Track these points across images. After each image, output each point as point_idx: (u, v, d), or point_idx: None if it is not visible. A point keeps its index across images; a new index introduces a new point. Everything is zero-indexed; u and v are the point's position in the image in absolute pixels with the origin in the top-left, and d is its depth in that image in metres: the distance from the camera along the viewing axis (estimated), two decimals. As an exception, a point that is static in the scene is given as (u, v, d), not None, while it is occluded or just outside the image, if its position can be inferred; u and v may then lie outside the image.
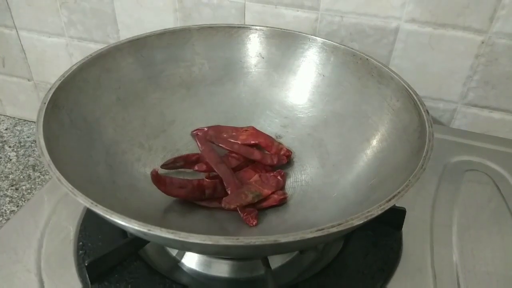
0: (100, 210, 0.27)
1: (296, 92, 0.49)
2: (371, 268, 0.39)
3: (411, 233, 0.42)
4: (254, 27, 0.50)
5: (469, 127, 0.58)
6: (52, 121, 0.35)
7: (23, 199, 0.63)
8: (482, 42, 0.52)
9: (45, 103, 0.35)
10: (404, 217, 0.41)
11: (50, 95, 0.36)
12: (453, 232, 0.43)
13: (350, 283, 0.37)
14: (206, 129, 0.47)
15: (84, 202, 0.27)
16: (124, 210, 0.28)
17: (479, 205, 0.46)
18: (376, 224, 0.42)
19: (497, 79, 0.54)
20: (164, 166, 0.43)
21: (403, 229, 0.42)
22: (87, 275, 0.36)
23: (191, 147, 0.47)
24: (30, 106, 0.79)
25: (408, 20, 0.53)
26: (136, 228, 0.26)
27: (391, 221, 0.42)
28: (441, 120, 0.59)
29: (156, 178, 0.39)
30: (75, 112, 0.39)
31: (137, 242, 0.38)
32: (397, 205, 0.40)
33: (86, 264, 0.36)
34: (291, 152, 0.46)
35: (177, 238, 0.25)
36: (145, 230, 0.26)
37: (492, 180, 0.49)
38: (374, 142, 0.42)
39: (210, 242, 0.25)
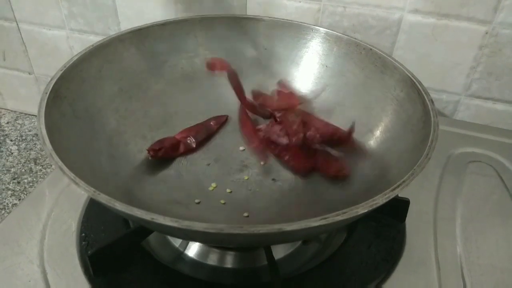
0: (103, 199, 0.27)
1: (299, 83, 0.49)
2: (374, 259, 0.38)
3: (415, 224, 0.42)
4: (257, 18, 0.49)
5: (472, 119, 0.58)
6: (53, 111, 0.35)
7: (25, 193, 0.63)
8: (486, 33, 0.51)
9: (46, 93, 0.35)
10: (407, 208, 0.41)
11: (51, 85, 0.36)
12: (457, 223, 0.43)
13: (353, 274, 0.37)
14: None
15: (87, 190, 0.27)
16: (126, 200, 0.28)
17: (482, 197, 0.46)
18: (380, 215, 0.41)
19: (501, 70, 0.53)
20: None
21: (406, 220, 0.42)
22: (90, 266, 0.36)
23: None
24: (31, 100, 0.79)
25: (411, 10, 0.52)
26: (140, 216, 0.26)
27: (395, 212, 0.42)
28: (444, 112, 0.59)
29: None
30: (77, 103, 0.38)
31: (140, 232, 0.38)
32: (400, 195, 0.41)
33: (88, 255, 0.36)
34: None
35: (180, 226, 0.25)
36: (148, 219, 0.25)
37: (495, 171, 0.48)
38: (378, 133, 0.41)
39: (213, 231, 0.25)
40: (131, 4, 0.62)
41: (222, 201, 0.40)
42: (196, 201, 0.40)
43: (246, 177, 0.43)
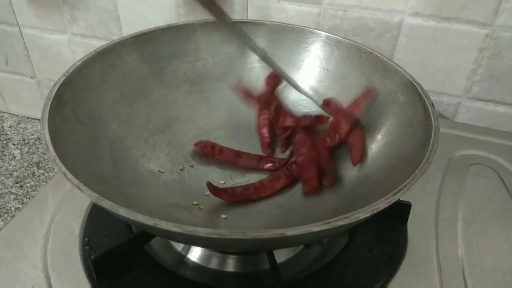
0: (106, 205, 0.27)
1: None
2: (376, 262, 0.39)
3: (416, 227, 0.42)
4: (258, 22, 0.49)
5: (473, 121, 0.58)
6: (57, 116, 0.35)
7: (28, 196, 0.63)
8: (487, 36, 0.51)
9: (49, 99, 0.35)
10: (409, 211, 0.41)
11: (55, 91, 0.36)
12: (458, 226, 0.43)
13: (355, 278, 0.37)
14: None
15: (90, 196, 0.27)
16: (129, 205, 0.28)
17: (484, 199, 0.46)
18: (381, 218, 0.42)
19: (502, 72, 0.53)
20: None
21: (408, 223, 0.42)
22: (93, 270, 0.36)
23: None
24: (34, 104, 0.79)
25: (412, 13, 0.52)
26: (143, 222, 0.26)
27: (396, 215, 0.42)
28: (445, 114, 0.59)
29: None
30: (80, 108, 0.39)
31: (143, 237, 0.38)
32: (402, 199, 0.41)
33: (92, 259, 0.36)
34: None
35: (183, 231, 0.25)
36: (151, 224, 0.26)
37: (497, 173, 0.49)
38: (379, 136, 0.41)
39: (216, 236, 0.25)
40: (133, 9, 0.62)
41: (226, 205, 0.40)
42: (200, 206, 0.40)
43: (247, 181, 0.43)
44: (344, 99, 0.46)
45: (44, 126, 0.33)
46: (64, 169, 0.29)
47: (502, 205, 0.45)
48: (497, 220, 0.43)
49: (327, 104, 0.46)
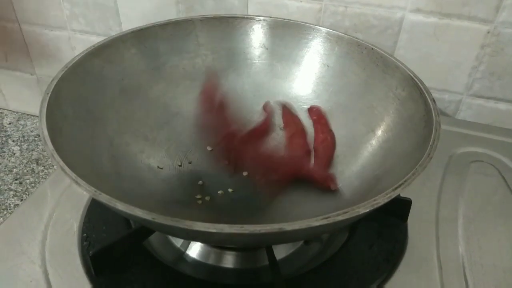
0: (104, 199, 0.27)
1: (300, 83, 0.49)
2: (376, 259, 0.38)
3: (417, 224, 0.42)
4: (258, 17, 0.49)
5: (474, 118, 0.58)
6: (55, 111, 0.35)
7: (27, 193, 0.63)
8: (488, 32, 0.51)
9: (48, 94, 0.35)
10: (409, 208, 0.41)
11: (53, 86, 0.36)
12: (459, 223, 0.43)
13: (355, 274, 0.37)
14: None
15: (88, 191, 0.27)
16: (128, 200, 0.28)
17: (485, 196, 0.45)
18: (382, 215, 0.41)
19: (503, 69, 0.53)
20: None
21: (408, 220, 0.42)
22: (91, 266, 0.36)
23: (195, 139, 0.46)
24: (33, 100, 0.79)
25: (413, 10, 0.52)
26: (141, 216, 0.25)
27: (397, 212, 0.41)
28: (447, 112, 0.59)
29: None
30: (78, 103, 0.38)
31: (141, 232, 0.38)
32: (402, 195, 0.40)
33: (90, 255, 0.36)
34: None
35: (182, 226, 0.25)
36: (149, 218, 0.25)
37: (498, 171, 0.48)
38: (379, 132, 0.41)
39: (214, 230, 0.25)
40: (133, 5, 0.62)
41: (224, 201, 0.40)
42: (198, 201, 0.40)
43: (245, 174, 0.43)
44: (344, 96, 0.46)
45: (42, 121, 0.33)
46: (62, 163, 0.29)
47: (503, 203, 0.45)
48: (498, 217, 0.43)
49: (310, 110, 0.47)
